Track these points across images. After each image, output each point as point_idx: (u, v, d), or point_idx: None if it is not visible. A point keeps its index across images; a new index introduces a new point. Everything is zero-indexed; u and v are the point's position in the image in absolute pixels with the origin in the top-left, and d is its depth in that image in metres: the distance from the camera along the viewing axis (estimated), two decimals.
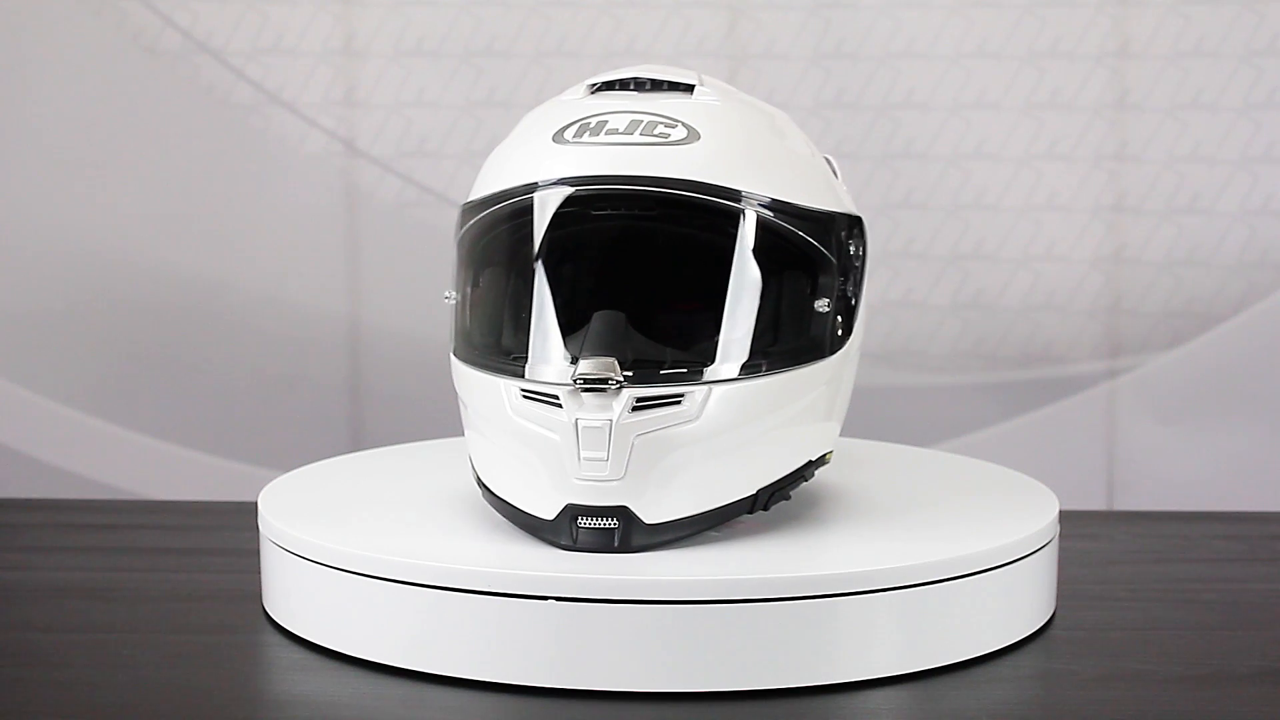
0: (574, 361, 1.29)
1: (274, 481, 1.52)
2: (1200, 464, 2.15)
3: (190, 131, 2.18)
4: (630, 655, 1.22)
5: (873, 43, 2.14)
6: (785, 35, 2.14)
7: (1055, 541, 1.40)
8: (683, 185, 1.30)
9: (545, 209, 1.32)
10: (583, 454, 1.27)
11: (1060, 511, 1.43)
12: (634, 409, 1.27)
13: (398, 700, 1.23)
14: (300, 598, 1.34)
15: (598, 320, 1.30)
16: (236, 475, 2.18)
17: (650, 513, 1.28)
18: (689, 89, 1.37)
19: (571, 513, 1.28)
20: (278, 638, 1.36)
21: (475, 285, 1.37)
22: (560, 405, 1.28)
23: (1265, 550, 1.66)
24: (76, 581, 1.53)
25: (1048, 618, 1.39)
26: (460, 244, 1.38)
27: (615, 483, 1.27)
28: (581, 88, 1.40)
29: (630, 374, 1.27)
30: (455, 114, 2.17)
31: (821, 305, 1.33)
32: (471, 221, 1.37)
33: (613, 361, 1.27)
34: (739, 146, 1.33)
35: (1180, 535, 1.72)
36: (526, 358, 1.31)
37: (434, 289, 1.45)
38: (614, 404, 1.27)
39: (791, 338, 1.32)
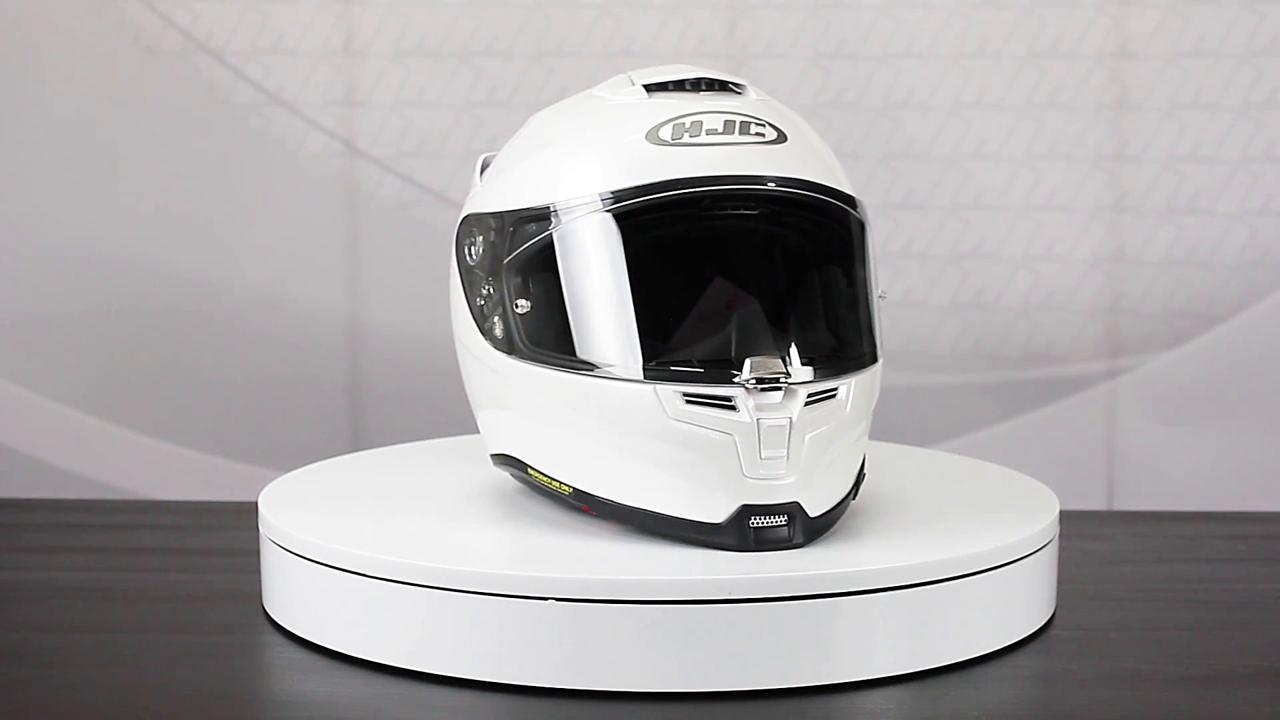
0: (738, 362, 1.29)
1: (274, 481, 1.52)
2: (1200, 464, 2.15)
3: (190, 131, 2.18)
4: (630, 655, 1.22)
5: (873, 43, 2.14)
6: (785, 35, 2.14)
7: (1055, 541, 1.40)
8: (802, 185, 1.33)
9: (676, 210, 1.31)
10: (764, 453, 1.27)
11: (1060, 511, 1.43)
12: (804, 404, 1.29)
13: (398, 700, 1.23)
14: (300, 598, 1.34)
15: (745, 319, 1.32)
16: (236, 475, 2.18)
17: (813, 506, 1.30)
18: (740, 89, 1.38)
19: (746, 514, 1.28)
20: (278, 638, 1.36)
21: (581, 291, 1.32)
22: (734, 407, 1.27)
23: (1265, 550, 1.66)
24: (76, 581, 1.53)
25: (1048, 618, 1.39)
26: (537, 248, 1.32)
27: (788, 480, 1.28)
28: (629, 87, 1.37)
29: (793, 371, 1.30)
30: (455, 114, 2.17)
31: (880, 293, 1.38)
32: (562, 224, 1.32)
33: (779, 360, 1.29)
34: (815, 146, 1.37)
35: (1180, 535, 1.72)
36: (681, 362, 1.30)
37: (434, 289, 1.44)
38: (792, 402, 1.28)
39: (875, 326, 1.37)
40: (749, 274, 1.35)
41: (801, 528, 1.29)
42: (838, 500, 1.32)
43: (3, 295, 2.19)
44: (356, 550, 1.29)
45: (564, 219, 1.32)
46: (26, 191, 2.18)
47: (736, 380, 1.28)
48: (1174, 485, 2.15)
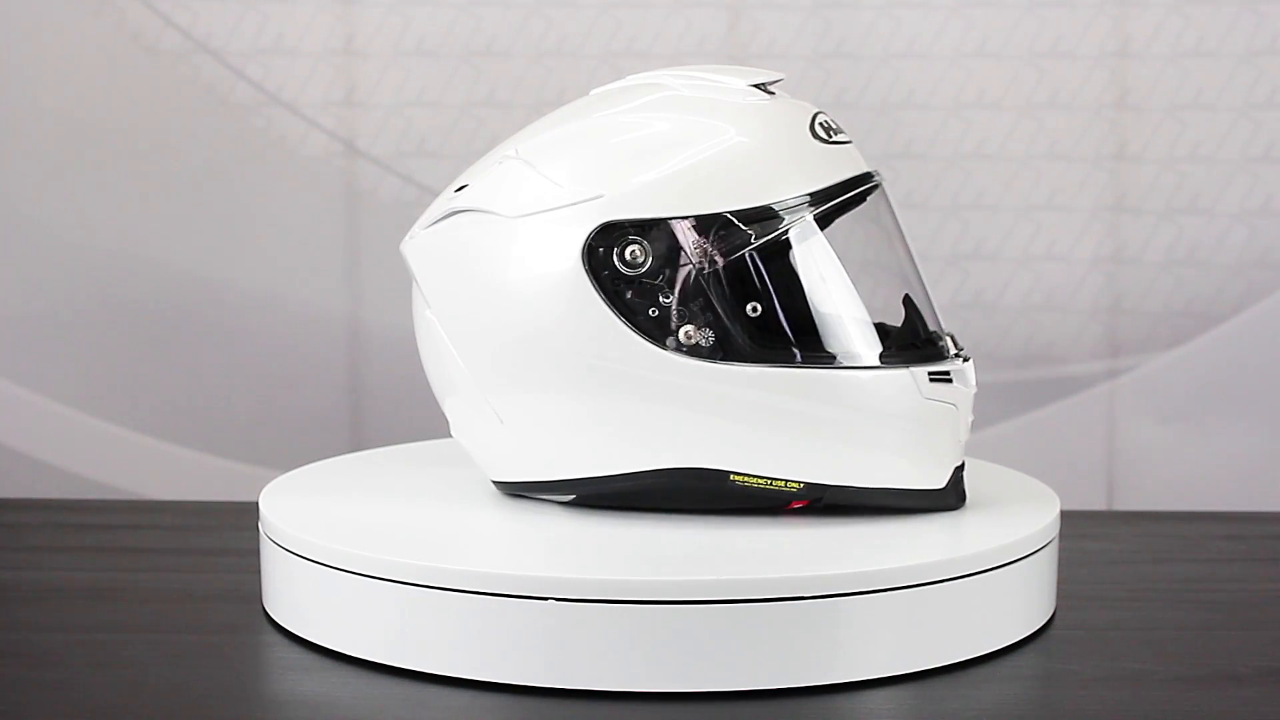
0: (937, 339, 1.38)
1: (274, 481, 1.52)
2: (1200, 464, 2.15)
3: (190, 131, 2.18)
4: (630, 655, 1.22)
5: (873, 43, 2.14)
6: (785, 35, 2.14)
7: (1055, 541, 1.40)
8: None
9: (868, 202, 1.38)
10: (969, 417, 1.39)
11: (1060, 511, 1.43)
12: None
13: (398, 700, 1.23)
14: (300, 598, 1.35)
15: (922, 299, 1.39)
16: (236, 475, 2.18)
17: None
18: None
19: (956, 474, 1.38)
20: (278, 638, 1.36)
21: (830, 286, 1.35)
22: (951, 379, 1.35)
23: (1265, 550, 1.66)
24: (76, 581, 1.53)
25: (1048, 618, 1.39)
26: (765, 249, 1.32)
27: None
28: (730, 82, 1.38)
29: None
30: (455, 114, 2.17)
31: None
32: (798, 223, 1.33)
33: (951, 334, 1.40)
34: None
35: (1180, 535, 1.72)
36: (909, 345, 1.36)
37: None
38: (973, 370, 1.39)
39: None
40: (901, 258, 1.42)
41: (963, 484, 1.40)
42: None
43: (2, 295, 2.19)
44: (356, 550, 1.29)
45: (793, 216, 1.33)
46: (26, 191, 2.18)
47: (952, 354, 1.37)
48: (1174, 485, 2.15)
